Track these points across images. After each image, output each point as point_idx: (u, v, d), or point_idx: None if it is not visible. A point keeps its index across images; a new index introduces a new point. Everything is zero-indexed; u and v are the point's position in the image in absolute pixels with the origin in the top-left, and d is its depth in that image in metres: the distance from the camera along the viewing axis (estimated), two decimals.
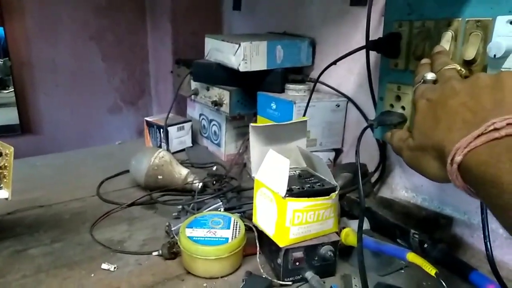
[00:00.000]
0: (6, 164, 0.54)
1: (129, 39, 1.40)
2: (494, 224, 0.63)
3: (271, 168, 0.56)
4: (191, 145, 1.14)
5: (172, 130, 1.09)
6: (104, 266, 0.60)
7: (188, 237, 0.58)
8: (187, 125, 1.13)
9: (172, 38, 1.31)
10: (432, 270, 0.45)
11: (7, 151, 0.55)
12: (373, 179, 0.83)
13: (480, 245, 0.65)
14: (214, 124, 1.09)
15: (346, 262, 0.62)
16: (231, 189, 0.82)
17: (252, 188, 0.61)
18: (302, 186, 0.56)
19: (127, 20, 1.38)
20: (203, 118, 1.14)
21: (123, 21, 1.37)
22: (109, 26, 1.35)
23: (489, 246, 0.53)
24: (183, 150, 1.12)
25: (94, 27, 1.32)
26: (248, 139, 0.96)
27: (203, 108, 1.12)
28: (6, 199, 0.55)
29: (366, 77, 0.76)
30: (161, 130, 1.08)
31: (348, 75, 0.86)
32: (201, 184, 0.83)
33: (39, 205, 0.80)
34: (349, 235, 0.59)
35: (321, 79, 0.82)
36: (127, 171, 0.93)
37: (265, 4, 1.14)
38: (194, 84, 1.06)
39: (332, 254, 0.56)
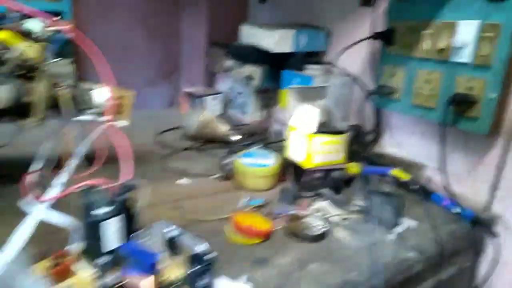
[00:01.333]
0: (125, 102, 0.80)
1: (167, 22, 1.64)
2: (453, 167, 0.90)
3: (303, 117, 0.81)
4: (222, 112, 1.40)
5: (208, 99, 1.34)
6: (181, 181, 0.85)
7: (242, 163, 0.84)
8: (219, 96, 1.38)
9: (206, 23, 1.55)
10: (407, 177, 0.71)
11: (127, 94, 0.80)
12: (369, 139, 1.09)
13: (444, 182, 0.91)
14: (242, 96, 1.34)
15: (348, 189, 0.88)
16: (261, 139, 1.08)
17: (276, 142, 0.87)
18: (324, 129, 0.82)
19: (166, 6, 1.62)
20: (232, 91, 1.39)
21: (163, 7, 1.61)
22: (151, 10, 1.59)
23: (446, 179, 0.79)
24: None
25: (140, 11, 1.56)
26: (272, 107, 1.22)
27: (233, 82, 1.37)
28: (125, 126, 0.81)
29: (368, 61, 1.02)
30: (199, 98, 1.33)
31: (355, 59, 1.12)
32: (239, 136, 1.08)
33: None
34: (353, 167, 0.85)
35: (334, 62, 1.08)
36: (176, 128, 1.18)
37: None
38: (229, 62, 1.31)
39: (341, 177, 0.83)
